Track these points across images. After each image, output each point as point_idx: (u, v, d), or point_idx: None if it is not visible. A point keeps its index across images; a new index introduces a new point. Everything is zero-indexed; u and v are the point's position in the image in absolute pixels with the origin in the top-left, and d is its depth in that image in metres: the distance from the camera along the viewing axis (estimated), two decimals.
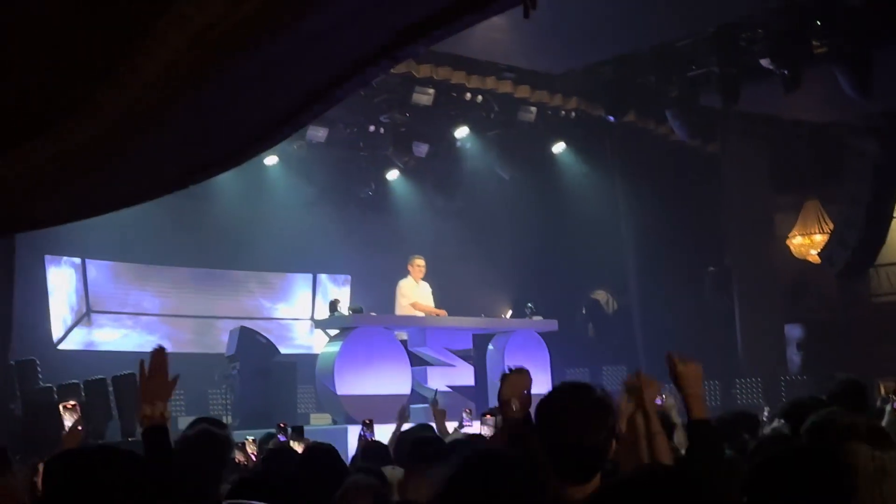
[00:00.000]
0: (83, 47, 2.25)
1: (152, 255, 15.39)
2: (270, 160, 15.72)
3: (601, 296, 18.66)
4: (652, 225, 16.32)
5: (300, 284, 17.38)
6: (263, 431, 8.06)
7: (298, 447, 6.03)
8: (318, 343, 14.63)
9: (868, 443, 2.58)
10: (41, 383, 11.88)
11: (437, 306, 13.08)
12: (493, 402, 12.23)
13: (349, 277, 17.40)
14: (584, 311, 18.08)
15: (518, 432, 3.32)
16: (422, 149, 15.65)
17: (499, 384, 3.62)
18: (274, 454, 4.91)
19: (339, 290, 17.19)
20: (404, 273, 12.93)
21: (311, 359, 12.76)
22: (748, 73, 12.96)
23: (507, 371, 3.67)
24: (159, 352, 3.48)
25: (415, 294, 12.74)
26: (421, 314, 12.63)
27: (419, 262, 12.82)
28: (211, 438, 4.09)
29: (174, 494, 3.23)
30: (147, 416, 3.37)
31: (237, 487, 3.27)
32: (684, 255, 16.26)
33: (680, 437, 5.33)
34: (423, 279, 12.86)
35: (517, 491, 2.36)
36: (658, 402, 4.22)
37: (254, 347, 13.35)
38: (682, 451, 4.96)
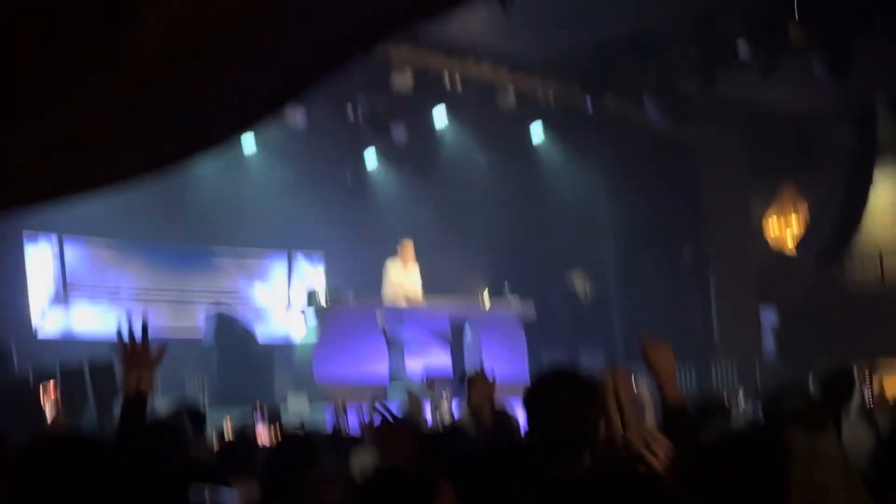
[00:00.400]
0: (66, 26, 2.25)
1: (129, 231, 15.20)
2: (248, 142, 15.63)
3: (578, 280, 18.66)
4: (630, 209, 16.33)
5: (276, 266, 17.32)
6: (240, 409, 7.99)
7: (262, 428, 6.01)
8: (294, 325, 14.60)
9: (803, 427, 2.63)
10: (16, 368, 11.82)
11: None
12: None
13: (323, 253, 17.33)
14: (560, 296, 18.09)
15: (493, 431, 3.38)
16: (400, 132, 15.62)
17: (466, 388, 3.65)
18: (235, 445, 4.87)
19: (313, 271, 17.19)
20: (382, 256, 12.98)
21: (288, 341, 12.74)
22: (725, 59, 13.01)
23: (470, 375, 3.69)
24: (144, 324, 3.39)
25: (399, 278, 12.74)
26: (401, 299, 12.67)
27: (406, 245, 12.88)
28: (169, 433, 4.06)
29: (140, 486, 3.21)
30: (132, 386, 3.26)
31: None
32: (662, 239, 16.29)
33: (650, 417, 5.39)
34: (413, 262, 12.90)
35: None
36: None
37: (231, 335, 13.35)
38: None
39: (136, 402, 3.24)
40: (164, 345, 3.40)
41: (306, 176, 16.56)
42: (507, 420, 3.93)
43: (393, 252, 13.10)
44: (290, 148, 15.88)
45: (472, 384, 3.58)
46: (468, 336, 13.22)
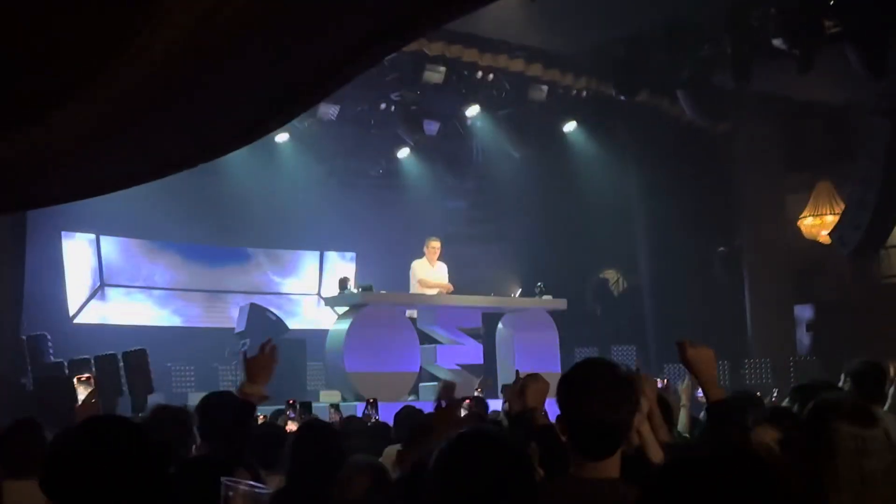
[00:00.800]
0: (89, 24, 2.26)
1: (164, 231, 15.49)
2: (281, 137, 15.73)
3: (611, 275, 18.69)
4: (663, 205, 16.23)
5: (307, 260, 17.51)
6: (272, 409, 8.08)
7: (293, 425, 6.03)
8: (326, 319, 14.74)
9: (850, 421, 2.58)
10: (52, 358, 11.99)
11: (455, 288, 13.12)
12: (503, 380, 12.17)
13: (354, 254, 17.50)
14: (593, 291, 18.10)
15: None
16: (432, 127, 15.68)
17: (515, 385, 3.63)
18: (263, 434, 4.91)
19: (345, 266, 17.30)
20: (413, 252, 12.96)
21: (320, 335, 12.87)
22: (761, 52, 12.88)
23: (520, 376, 3.68)
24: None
25: (427, 275, 12.74)
26: (431, 292, 12.66)
27: (434, 244, 12.81)
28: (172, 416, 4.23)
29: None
30: (246, 392, 3.71)
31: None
32: (695, 235, 16.19)
33: (683, 419, 5.39)
34: (440, 260, 12.88)
35: (505, 471, 2.32)
36: (658, 384, 4.31)
37: (263, 324, 13.39)
38: (684, 433, 5.04)
39: (246, 405, 3.67)
40: (275, 348, 3.83)
41: (338, 171, 16.73)
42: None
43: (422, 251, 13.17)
44: (323, 141, 15.99)
45: (528, 384, 3.55)
46: (501, 331, 13.21)
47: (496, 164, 16.87)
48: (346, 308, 12.31)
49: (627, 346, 15.75)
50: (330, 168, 16.73)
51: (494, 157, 16.73)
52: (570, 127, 16.42)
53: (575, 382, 2.84)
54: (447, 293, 12.75)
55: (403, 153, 16.96)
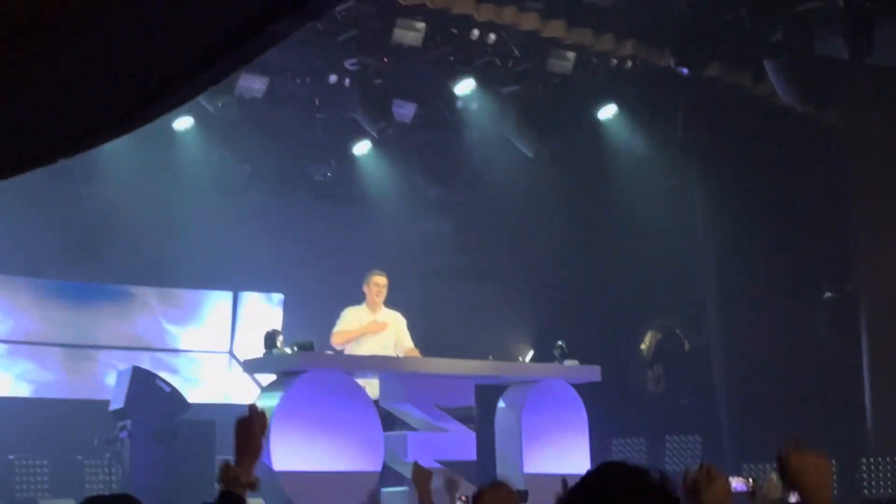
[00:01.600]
0: None
1: (4, 260, 15.51)
2: (182, 123, 15.82)
3: (663, 331, 18.64)
4: (742, 230, 16.33)
5: (215, 303, 17.65)
6: None
7: None
8: (243, 389, 14.92)
9: None
10: None
11: (421, 346, 13.14)
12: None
13: (282, 297, 17.65)
14: (640, 355, 18.08)
15: None
16: (406, 110, 15.80)
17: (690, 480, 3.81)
18: None
19: (269, 313, 17.49)
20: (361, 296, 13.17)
21: (233, 413, 12.76)
22: (888, 9, 12.95)
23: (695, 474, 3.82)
24: (259, 414, 4.22)
25: (366, 335, 13.08)
26: (365, 349, 12.92)
27: (378, 281, 13.04)
28: None
29: None
30: (232, 478, 3.98)
31: None
32: (788, 274, 16.24)
33: None
34: (395, 309, 13.15)
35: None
36: (740, 487, 4.31)
37: (153, 397, 13.33)
38: None
39: (232, 497, 3.89)
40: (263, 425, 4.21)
41: (264, 174, 16.83)
42: None
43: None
44: (243, 132, 16.10)
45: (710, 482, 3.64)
46: (503, 412, 13.35)
47: (498, 166, 16.99)
48: (275, 376, 12.41)
49: (689, 436, 15.81)
50: (252, 170, 16.79)
51: (496, 157, 16.84)
52: (607, 113, 16.54)
53: (590, 500, 2.85)
54: (405, 354, 12.98)
55: (362, 149, 17.05)
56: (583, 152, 16.95)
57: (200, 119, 15.79)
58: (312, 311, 16.26)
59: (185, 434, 13.28)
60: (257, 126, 16.24)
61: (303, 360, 12.16)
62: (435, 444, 12.65)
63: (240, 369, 12.93)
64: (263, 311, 17.68)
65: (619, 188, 17.10)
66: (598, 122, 16.66)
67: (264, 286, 17.75)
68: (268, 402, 11.99)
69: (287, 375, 12.20)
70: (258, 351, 12.61)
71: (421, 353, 13.36)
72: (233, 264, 16.94)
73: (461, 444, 12.80)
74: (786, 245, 16.16)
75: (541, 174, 16.98)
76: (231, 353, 17.40)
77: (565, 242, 17.61)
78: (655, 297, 17.69)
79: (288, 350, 12.25)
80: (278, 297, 17.85)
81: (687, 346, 18.24)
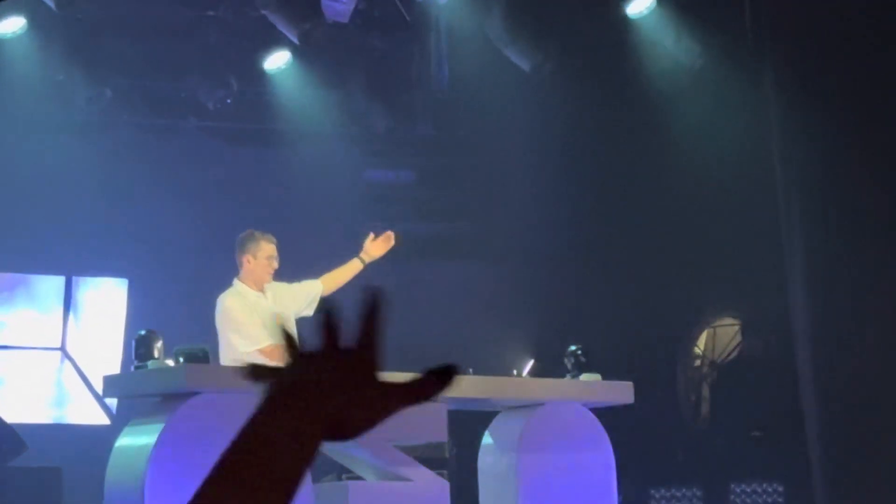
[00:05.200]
0: None
1: None
2: (6, 26, 16.06)
3: (727, 334, 18.53)
4: (843, 182, 16.31)
5: (43, 289, 18.23)
6: None
7: None
8: (79, 395, 14.40)
9: None
10: None
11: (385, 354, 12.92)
12: None
13: (126, 282, 18.23)
14: (690, 365, 17.96)
15: None
16: (342, 3, 15.90)
17: None
18: None
19: (114, 299, 18.02)
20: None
21: (74, 439, 12.37)
22: None
23: None
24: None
25: (264, 314, 12.88)
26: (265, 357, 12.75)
27: (269, 251, 13.06)
28: None
29: None
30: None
31: None
32: None
33: None
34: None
35: None
36: None
37: None
38: None
39: None
40: None
41: (128, 99, 17.36)
42: None
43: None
44: (99, 34, 16.35)
45: None
46: (489, 451, 13.31)
47: (480, 86, 17.40)
48: (154, 400, 12.31)
49: (765, 484, 16.28)
50: (114, 95, 16.98)
51: (477, 73, 17.26)
52: (639, 6, 16.78)
53: None
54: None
55: (277, 61, 17.40)
56: (603, 66, 17.35)
57: (35, 18, 15.98)
58: (194, 300, 15.99)
59: (17, 487, 13.77)
60: (121, 29, 16.60)
61: (193, 378, 11.98)
62: (390, 500, 12.66)
63: (75, 372, 12.83)
64: (109, 300, 18.28)
65: (657, 120, 17.39)
66: (625, 21, 16.93)
67: (114, 269, 18.18)
68: (141, 439, 11.93)
69: (170, 399, 12.05)
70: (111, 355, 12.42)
71: None
72: (72, 235, 17.38)
73: (429, 499, 12.66)
74: None
75: (542, 98, 17.29)
76: (63, 349, 17.79)
77: (579, 201, 17.98)
78: (713, 281, 18.00)
79: (170, 362, 12.11)
80: (123, 281, 18.40)
81: (761, 352, 18.02)
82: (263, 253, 12.91)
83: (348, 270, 13.47)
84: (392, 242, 13.23)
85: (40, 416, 17.15)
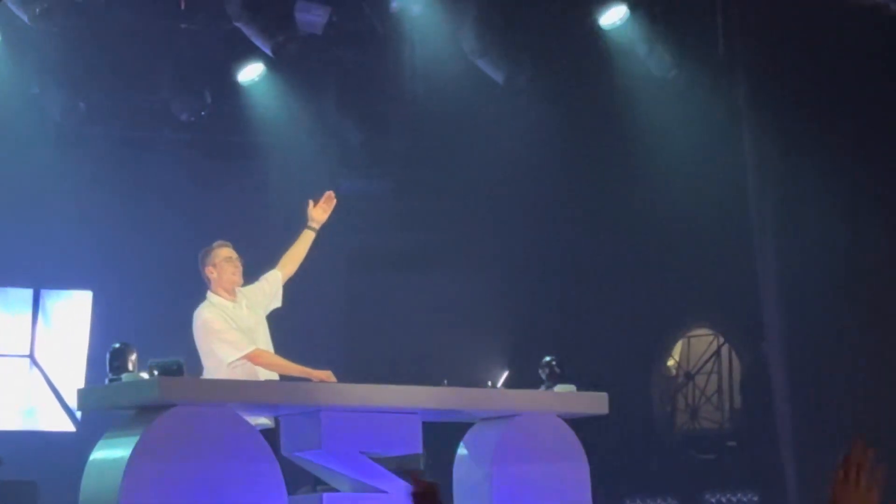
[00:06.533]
0: None
1: None
2: None
3: (702, 342, 18.81)
4: (814, 190, 16.41)
5: (12, 297, 18.40)
6: None
7: None
8: (47, 403, 14.41)
9: None
10: None
11: (347, 365, 12.88)
12: None
13: (90, 294, 18.14)
14: (665, 376, 18.01)
15: None
16: (316, 16, 16.04)
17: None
18: None
19: (76, 312, 18.00)
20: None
21: (45, 446, 12.37)
22: None
23: None
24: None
25: (241, 322, 12.92)
26: (250, 368, 12.83)
27: (226, 254, 13.03)
28: None
29: None
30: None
31: None
32: (878, 259, 16.53)
33: None
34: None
35: None
36: None
37: None
38: None
39: None
40: None
41: (105, 118, 17.32)
42: None
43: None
44: (71, 47, 16.30)
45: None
46: (464, 461, 13.20)
47: (454, 98, 17.30)
48: (129, 413, 12.18)
49: (741, 494, 16.28)
50: (88, 108, 16.96)
51: (450, 84, 17.20)
52: (613, 17, 16.81)
53: None
54: (316, 377, 12.83)
55: (250, 73, 17.49)
56: (576, 77, 17.44)
57: (9, 32, 16.07)
58: (160, 313, 16.34)
59: None
60: (96, 43, 16.52)
61: (168, 390, 11.86)
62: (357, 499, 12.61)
63: (43, 380, 12.85)
64: (70, 310, 18.32)
65: (630, 131, 17.41)
66: (598, 32, 16.96)
67: (79, 281, 18.12)
68: (116, 452, 11.78)
69: (144, 412, 11.92)
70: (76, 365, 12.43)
71: (344, 376, 13.32)
72: (40, 248, 17.40)
73: (395, 496, 12.56)
74: (884, 215, 16.38)
75: (516, 109, 17.39)
76: (32, 356, 17.86)
77: (554, 210, 18.12)
78: (686, 291, 18.11)
79: (145, 374, 11.98)
80: (86, 295, 18.34)
81: (735, 362, 18.15)
82: (221, 257, 12.91)
83: (302, 244, 13.55)
84: (333, 201, 13.37)
85: (8, 423, 17.15)
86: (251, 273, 13.77)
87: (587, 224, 17.66)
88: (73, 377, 16.10)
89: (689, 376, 18.30)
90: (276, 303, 13.38)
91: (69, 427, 16.45)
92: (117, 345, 12.54)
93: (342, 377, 13.11)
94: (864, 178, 16.15)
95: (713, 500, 15.88)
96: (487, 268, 18.39)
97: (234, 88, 17.56)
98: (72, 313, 18.32)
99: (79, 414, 15.81)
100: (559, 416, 13.26)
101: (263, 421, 12.70)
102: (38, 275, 18.10)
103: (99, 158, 17.33)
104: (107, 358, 12.07)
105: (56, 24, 15.58)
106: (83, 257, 17.65)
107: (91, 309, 18.25)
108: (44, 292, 18.43)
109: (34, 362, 17.86)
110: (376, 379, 13.19)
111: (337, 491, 12.56)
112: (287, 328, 13.43)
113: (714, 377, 18.41)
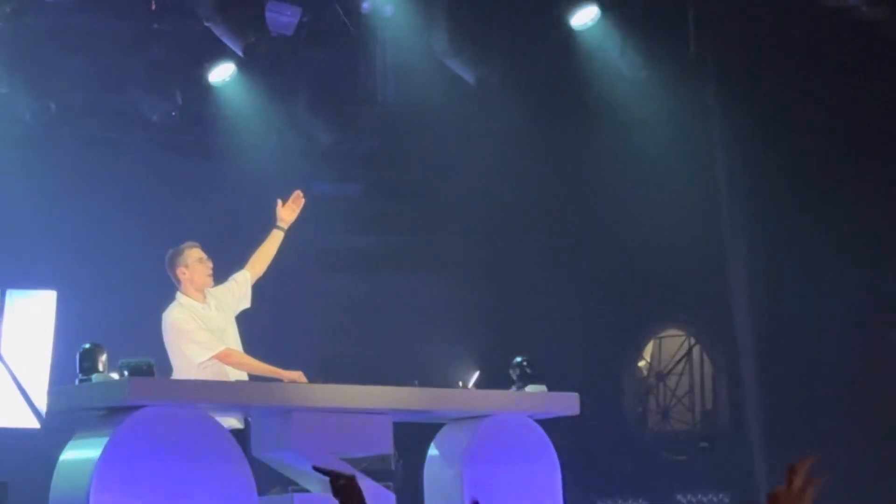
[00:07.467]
0: None
1: None
2: None
3: (673, 343, 18.82)
4: (785, 192, 16.48)
5: None
6: None
7: None
8: (10, 400, 15.56)
9: None
10: None
11: (318, 366, 12.83)
12: None
13: (55, 294, 17.90)
14: (637, 376, 17.97)
15: None
16: (287, 16, 16.04)
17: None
18: None
19: (36, 310, 17.89)
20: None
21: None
22: None
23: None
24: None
25: (211, 323, 12.92)
26: (224, 369, 12.83)
27: (198, 255, 13.05)
28: None
29: None
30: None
31: None
32: (847, 260, 16.43)
33: None
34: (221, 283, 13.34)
35: None
36: None
37: None
38: None
39: None
40: None
41: (74, 119, 17.13)
42: None
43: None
44: (39, 45, 16.32)
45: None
46: (435, 462, 13.29)
47: (425, 98, 17.43)
48: (99, 413, 12.15)
49: (712, 495, 16.28)
50: (58, 109, 16.93)
51: (422, 85, 17.27)
52: (584, 18, 16.74)
53: None
54: (288, 378, 12.78)
55: (221, 73, 17.36)
56: (547, 78, 17.38)
57: None
58: (126, 313, 16.35)
59: None
60: (65, 43, 16.43)
61: (138, 391, 11.85)
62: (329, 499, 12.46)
63: (9, 376, 12.80)
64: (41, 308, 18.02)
65: (602, 131, 17.46)
66: (570, 32, 16.89)
67: (44, 281, 17.91)
68: (85, 453, 11.79)
69: (115, 413, 11.91)
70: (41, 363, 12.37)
71: (315, 376, 13.35)
72: (5, 250, 17.32)
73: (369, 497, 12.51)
74: (847, 219, 16.40)
75: (487, 110, 17.34)
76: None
77: (524, 211, 18.08)
78: (658, 292, 18.21)
79: (115, 375, 11.97)
80: (51, 294, 18.01)
81: (706, 363, 18.18)
82: (193, 258, 12.96)
83: (271, 244, 13.57)
84: (302, 201, 13.45)
85: None
86: (220, 273, 13.81)
87: (558, 226, 17.84)
88: (38, 376, 16.05)
89: (661, 377, 18.29)
90: (245, 303, 13.39)
91: (34, 424, 16.39)
92: (87, 345, 12.53)
93: (313, 378, 13.18)
94: (834, 175, 16.16)
95: (684, 501, 16.02)
96: (459, 269, 18.43)
97: (204, 89, 17.49)
98: (36, 312, 18.03)
99: (43, 411, 15.74)
100: (530, 416, 13.40)
101: (233, 422, 12.71)
102: (4, 274, 17.82)
103: (69, 159, 17.34)
104: (77, 358, 12.07)
105: (25, 24, 15.65)
106: (49, 257, 17.52)
107: (55, 309, 17.95)
108: (10, 291, 18.05)
109: (1, 359, 17.59)
110: (347, 379, 13.21)
111: (308, 491, 12.64)
112: (258, 329, 13.50)
113: (685, 378, 18.41)
